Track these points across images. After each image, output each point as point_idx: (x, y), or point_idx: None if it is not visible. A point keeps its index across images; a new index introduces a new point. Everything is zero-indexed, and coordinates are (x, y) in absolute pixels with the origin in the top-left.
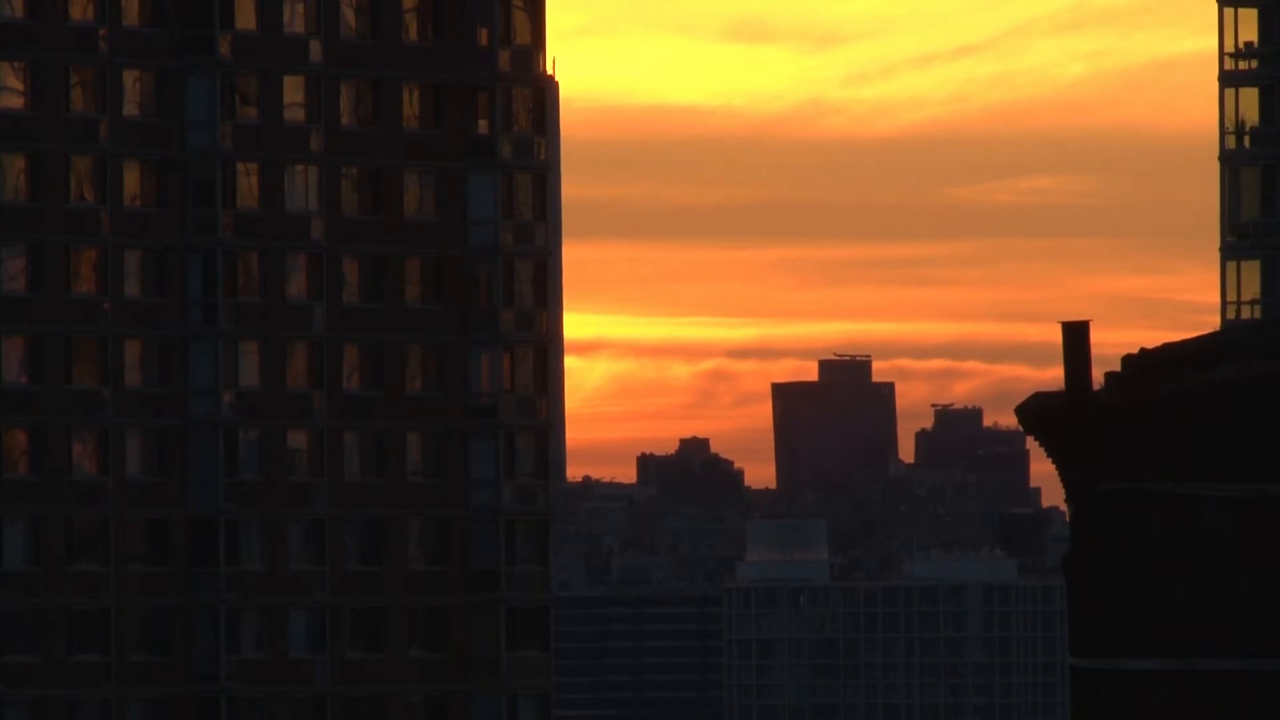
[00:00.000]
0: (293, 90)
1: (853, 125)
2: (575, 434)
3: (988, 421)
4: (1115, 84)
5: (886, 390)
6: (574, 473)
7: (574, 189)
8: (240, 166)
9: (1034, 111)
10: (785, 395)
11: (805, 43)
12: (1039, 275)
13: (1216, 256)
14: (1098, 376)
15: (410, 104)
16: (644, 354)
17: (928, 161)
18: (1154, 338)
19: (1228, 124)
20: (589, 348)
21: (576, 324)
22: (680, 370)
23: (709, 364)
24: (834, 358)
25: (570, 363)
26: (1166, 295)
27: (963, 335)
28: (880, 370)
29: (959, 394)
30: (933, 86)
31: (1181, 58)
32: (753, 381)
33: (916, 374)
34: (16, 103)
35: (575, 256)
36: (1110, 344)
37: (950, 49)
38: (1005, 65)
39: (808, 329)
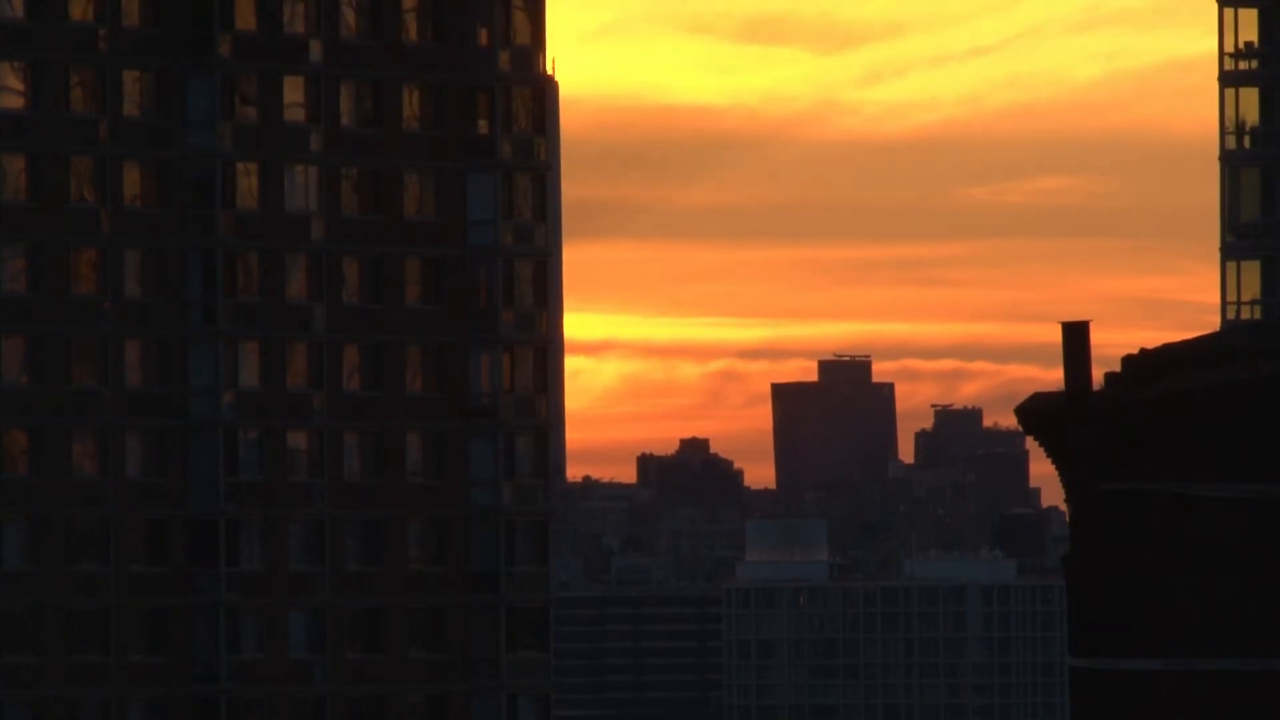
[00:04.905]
0: (293, 90)
1: (866, 126)
2: (575, 434)
3: (991, 422)
4: (1128, 85)
5: (886, 391)
6: (574, 473)
7: (586, 189)
8: (240, 166)
9: (1047, 112)
10: (785, 395)
11: (820, 43)
12: (1050, 276)
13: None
14: (1098, 376)
15: (410, 104)
16: (653, 354)
17: (941, 162)
18: (1166, 339)
19: (1228, 124)
20: (599, 348)
21: (586, 324)
22: (689, 371)
23: (718, 364)
24: (834, 358)
25: (580, 363)
26: (1179, 296)
27: (972, 336)
28: (889, 371)
29: (967, 394)
30: (946, 87)
31: (1194, 59)
32: (762, 382)
33: (925, 374)
34: (16, 103)
35: (587, 256)
36: (1116, 344)
37: (964, 50)
38: (1018, 66)
39: (818, 329)
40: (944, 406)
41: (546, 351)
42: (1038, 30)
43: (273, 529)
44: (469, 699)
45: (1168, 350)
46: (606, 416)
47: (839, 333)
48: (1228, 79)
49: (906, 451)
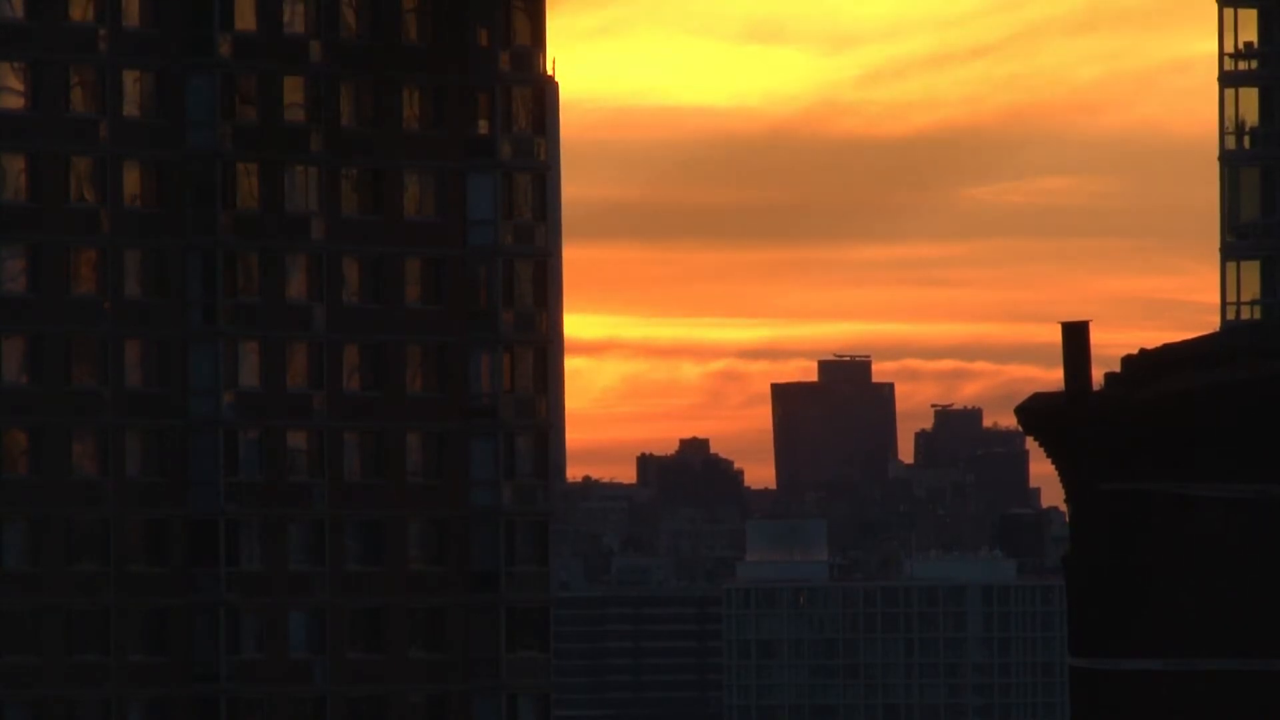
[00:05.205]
0: (293, 90)
1: (867, 126)
2: (575, 434)
3: (991, 422)
4: (1128, 85)
5: (886, 391)
6: (574, 473)
7: (589, 190)
8: (240, 166)
9: (1047, 112)
10: (785, 395)
11: (820, 44)
12: (1051, 276)
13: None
14: (1098, 376)
15: (410, 104)
16: (653, 354)
17: (941, 162)
18: (1166, 339)
19: (1228, 124)
20: (599, 348)
21: (586, 324)
22: (689, 371)
23: (718, 364)
24: (834, 358)
25: (580, 363)
26: (1179, 296)
27: (972, 336)
28: (890, 371)
29: (967, 394)
30: (947, 87)
31: (1195, 59)
32: (762, 382)
33: (925, 374)
34: (16, 103)
35: (589, 257)
36: (1116, 344)
37: (964, 50)
38: (1019, 66)
39: (818, 329)
40: (944, 406)
41: (546, 351)
42: (1038, 30)
43: (273, 529)
44: (469, 699)
45: (1168, 350)
46: (606, 416)
47: (839, 333)
48: (1228, 79)
49: (906, 451)
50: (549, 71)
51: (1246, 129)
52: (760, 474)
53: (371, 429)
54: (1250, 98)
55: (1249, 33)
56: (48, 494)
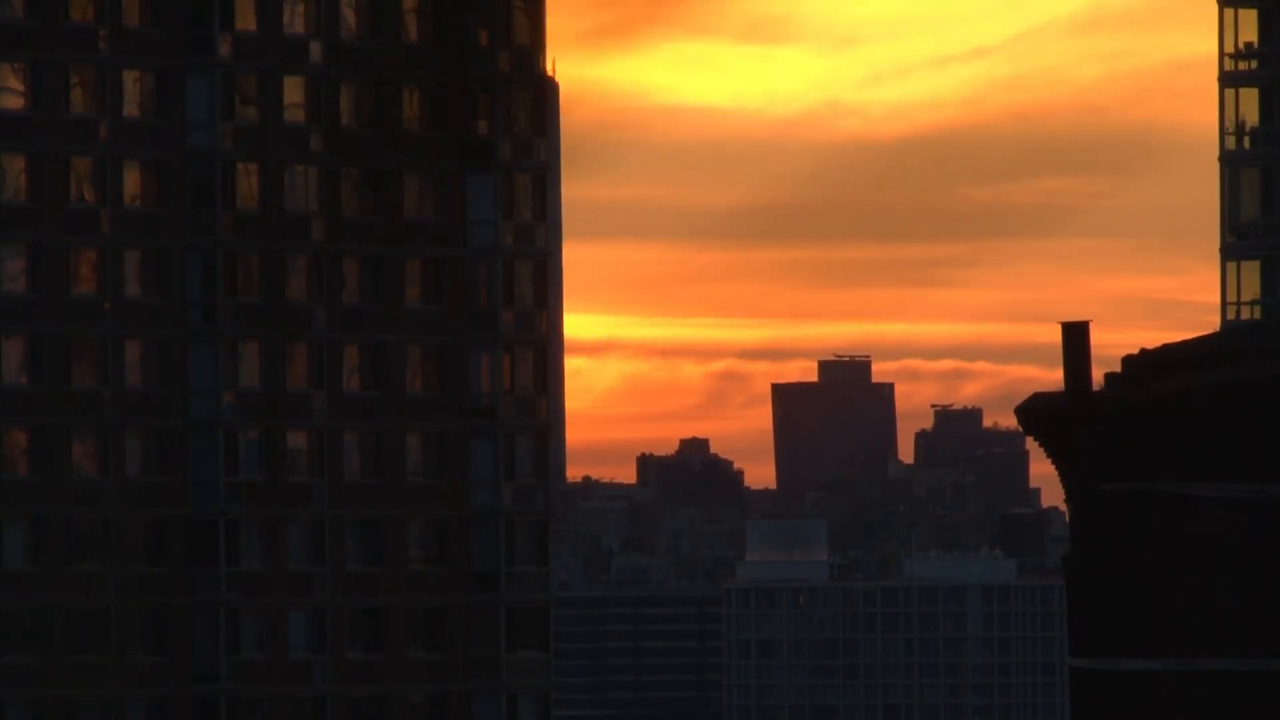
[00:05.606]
0: (293, 90)
1: (868, 126)
2: (575, 434)
3: (991, 422)
4: (1130, 85)
5: (886, 391)
6: (574, 473)
7: (590, 190)
8: (240, 166)
9: (1049, 113)
10: (785, 396)
11: (822, 44)
12: (1052, 276)
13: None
14: (1098, 376)
15: (410, 104)
16: (654, 354)
17: (941, 162)
18: (1166, 339)
19: (1228, 124)
20: (599, 348)
21: (586, 324)
22: (690, 371)
23: (719, 365)
24: (834, 358)
25: (580, 363)
26: (1179, 296)
27: (972, 336)
28: (890, 371)
29: (967, 394)
30: (948, 88)
31: (1194, 59)
32: (762, 382)
33: (925, 374)
34: (16, 103)
35: (590, 257)
36: (1116, 344)
37: (966, 50)
38: (1020, 67)
39: (818, 329)
40: (944, 406)
41: (546, 351)
42: (1039, 31)
43: (273, 529)
44: (469, 699)
45: (1168, 350)
46: (606, 416)
47: (839, 333)
48: (1228, 79)
49: (906, 451)
50: (549, 71)
51: (1246, 129)
52: (760, 474)
53: (371, 429)
54: (1250, 98)
55: (1249, 33)
56: (48, 494)
